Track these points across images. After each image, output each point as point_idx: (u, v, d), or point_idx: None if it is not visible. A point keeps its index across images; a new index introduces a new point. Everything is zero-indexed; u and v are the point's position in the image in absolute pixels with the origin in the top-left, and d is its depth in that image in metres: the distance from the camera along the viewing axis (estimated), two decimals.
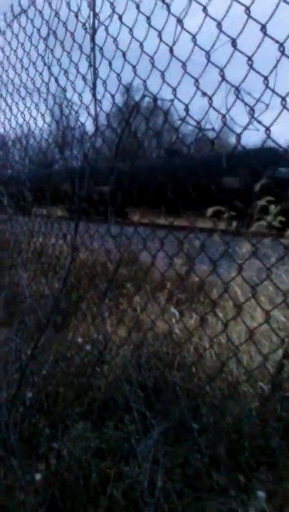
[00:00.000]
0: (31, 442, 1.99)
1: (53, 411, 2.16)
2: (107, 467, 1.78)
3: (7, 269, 3.43)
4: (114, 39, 1.98)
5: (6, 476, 1.79)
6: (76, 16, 2.21)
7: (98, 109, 2.05)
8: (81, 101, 2.24)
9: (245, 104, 1.33)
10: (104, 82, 2.05)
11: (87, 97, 2.14)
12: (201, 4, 1.55)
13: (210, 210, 2.32)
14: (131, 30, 1.88)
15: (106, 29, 2.01)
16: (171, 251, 2.03)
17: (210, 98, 1.50)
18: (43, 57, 2.66)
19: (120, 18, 1.94)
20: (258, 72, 1.34)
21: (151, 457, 1.76)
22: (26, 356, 2.21)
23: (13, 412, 2.04)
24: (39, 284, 3.36)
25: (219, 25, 1.48)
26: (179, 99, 1.63)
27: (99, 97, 2.07)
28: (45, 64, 2.63)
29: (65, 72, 2.39)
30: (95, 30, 2.00)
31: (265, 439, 1.87)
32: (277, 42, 1.30)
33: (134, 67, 1.86)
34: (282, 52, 1.29)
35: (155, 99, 1.73)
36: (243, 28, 1.42)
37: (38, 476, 1.78)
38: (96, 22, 2.01)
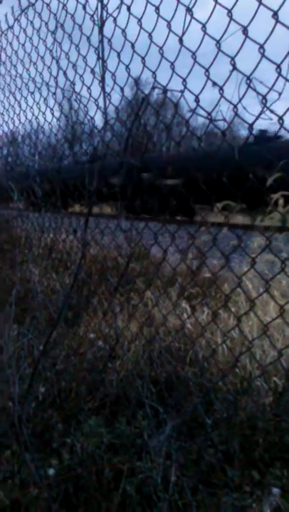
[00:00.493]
0: (44, 437, 2.00)
1: (66, 406, 2.16)
2: (120, 462, 1.77)
3: (18, 265, 3.44)
4: (123, 30, 1.95)
5: (20, 471, 1.80)
6: (84, 7, 2.19)
7: (107, 102, 2.02)
8: (90, 94, 2.22)
9: (258, 93, 1.30)
10: (113, 74, 2.02)
11: (96, 90, 2.12)
12: None
13: (220, 205, 2.29)
14: (139, 20, 1.85)
15: (114, 20, 1.98)
16: (181, 246, 2.01)
17: (221, 88, 1.47)
18: (51, 50, 2.64)
19: (129, 8, 1.91)
20: (271, 60, 1.31)
21: (164, 452, 1.75)
22: (38, 351, 2.21)
23: (25, 407, 2.04)
24: (50, 280, 3.37)
25: (230, 13, 1.45)
26: (189, 90, 1.60)
27: (108, 90, 2.05)
28: (53, 58, 2.61)
29: (74, 65, 2.37)
30: (103, 22, 1.97)
31: (279, 434, 1.85)
32: None
33: (143, 58, 1.84)
34: None
35: (165, 90, 1.70)
36: (254, 15, 1.39)
37: (51, 471, 1.78)
38: (104, 13, 1.98)
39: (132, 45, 1.89)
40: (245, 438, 1.84)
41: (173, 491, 1.61)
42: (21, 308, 2.94)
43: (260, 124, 1.44)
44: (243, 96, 1.38)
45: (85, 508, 1.65)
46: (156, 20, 1.74)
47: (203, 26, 1.53)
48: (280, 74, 1.28)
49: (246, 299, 2.94)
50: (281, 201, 2.68)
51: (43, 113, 3.03)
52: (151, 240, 2.03)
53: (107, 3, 2.01)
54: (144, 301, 2.79)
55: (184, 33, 1.62)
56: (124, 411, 2.08)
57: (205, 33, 1.52)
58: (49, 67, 2.76)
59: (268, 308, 2.80)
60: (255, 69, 1.37)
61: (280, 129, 1.30)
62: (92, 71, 2.16)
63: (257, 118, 1.33)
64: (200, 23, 1.54)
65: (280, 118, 1.29)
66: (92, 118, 2.27)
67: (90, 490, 1.69)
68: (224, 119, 1.44)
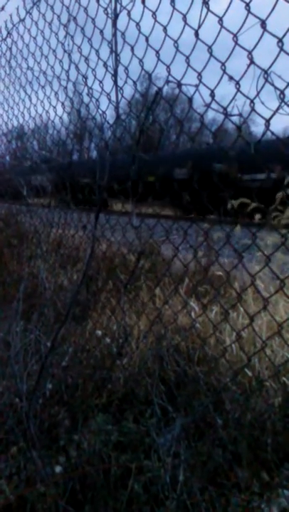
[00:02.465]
0: (51, 434, 1.98)
1: (73, 403, 2.15)
2: (128, 460, 1.76)
3: (26, 261, 3.43)
4: (137, 23, 1.92)
5: (26, 467, 1.79)
6: (97, 0, 2.16)
7: (120, 96, 2.00)
8: (102, 88, 2.20)
9: (276, 87, 1.27)
10: (126, 68, 2.00)
11: (108, 84, 2.10)
12: None
13: (236, 203, 2.26)
14: (154, 13, 1.82)
15: (128, 13, 1.95)
16: (191, 243, 1.99)
17: (237, 83, 1.45)
18: (62, 44, 2.62)
19: (143, 1, 1.88)
20: None
21: (173, 451, 1.74)
22: (46, 348, 2.20)
23: (33, 403, 2.03)
24: (58, 276, 3.35)
25: (247, 6, 1.42)
26: (204, 84, 1.58)
27: (120, 83, 2.02)
28: (65, 51, 2.59)
29: (86, 59, 2.34)
30: (116, 15, 1.95)
31: (288, 435, 1.83)
32: None
33: (157, 52, 1.81)
34: None
35: (179, 84, 1.67)
36: (273, 8, 1.36)
37: (58, 468, 1.77)
38: (118, 6, 1.96)
39: (146, 39, 1.87)
40: (254, 438, 1.82)
41: (181, 491, 1.60)
42: (29, 304, 2.93)
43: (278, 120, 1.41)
44: (260, 90, 1.35)
45: (92, 505, 1.64)
46: (172, 13, 1.71)
47: (220, 19, 1.50)
48: None
49: (255, 298, 2.91)
50: None
51: (54, 107, 3.01)
52: (161, 237, 2.01)
53: None
54: (153, 298, 2.77)
55: (199, 26, 1.59)
56: (131, 409, 2.07)
57: (222, 26, 1.49)
58: (61, 61, 2.73)
59: (278, 307, 2.78)
60: (273, 63, 1.34)
61: None
62: (105, 65, 2.13)
63: (274, 113, 1.30)
64: (217, 16, 1.52)
65: None
66: (103, 112, 2.25)
67: (97, 488, 1.68)
68: (240, 114, 1.41)
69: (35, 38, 3.11)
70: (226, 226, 1.91)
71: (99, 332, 2.66)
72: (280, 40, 1.32)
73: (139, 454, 1.81)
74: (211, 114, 1.60)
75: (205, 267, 2.31)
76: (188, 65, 1.65)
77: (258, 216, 2.77)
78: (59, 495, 1.65)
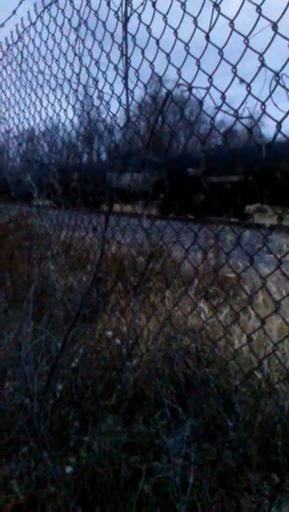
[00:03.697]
0: (61, 434, 1.99)
1: (83, 404, 2.16)
2: (138, 462, 1.76)
3: (36, 262, 3.45)
4: (148, 27, 1.93)
5: (37, 468, 1.80)
6: (108, 4, 2.18)
7: (130, 99, 2.01)
8: (112, 91, 2.21)
9: (287, 90, 1.27)
10: (136, 71, 2.01)
11: (119, 87, 2.11)
12: None
13: (251, 208, 2.26)
14: (165, 17, 1.83)
15: (139, 17, 1.96)
16: (200, 245, 1.99)
17: (248, 85, 1.45)
18: (73, 47, 2.64)
19: (154, 4, 1.89)
20: None
21: (183, 453, 1.74)
22: (56, 349, 2.21)
23: (43, 404, 2.04)
24: (68, 277, 3.37)
25: (259, 8, 1.42)
26: (215, 87, 1.58)
27: (130, 86, 2.03)
28: (75, 54, 2.61)
29: (96, 62, 2.36)
30: (127, 18, 1.96)
31: None
32: None
33: (168, 55, 1.82)
34: None
35: (190, 87, 1.68)
36: (285, 10, 1.36)
37: (68, 469, 1.78)
38: (128, 9, 1.97)
39: (157, 42, 1.87)
40: (264, 441, 1.82)
41: (191, 492, 1.60)
42: (39, 306, 2.95)
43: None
44: (272, 92, 1.35)
45: (102, 506, 1.64)
46: (182, 16, 1.72)
47: (231, 22, 1.50)
48: None
49: (265, 300, 2.91)
50: None
51: (65, 110, 3.03)
52: (170, 238, 2.02)
53: None
54: (163, 300, 2.78)
55: (210, 29, 1.59)
56: (141, 410, 2.07)
57: (233, 29, 1.49)
58: (71, 64, 2.75)
59: (287, 310, 2.76)
60: (284, 66, 1.34)
61: None
62: (116, 68, 2.14)
63: (286, 115, 1.30)
64: (228, 18, 1.52)
65: None
66: (114, 115, 2.27)
67: (107, 489, 1.68)
68: (251, 117, 1.42)
69: (46, 42, 3.14)
70: (237, 228, 1.91)
71: (109, 333, 2.67)
72: None
73: (149, 456, 1.81)
74: (219, 116, 1.60)
75: (215, 269, 2.31)
76: (199, 67, 1.65)
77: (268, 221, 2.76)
78: (69, 495, 1.66)
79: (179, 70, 1.76)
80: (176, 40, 1.77)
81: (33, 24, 3.25)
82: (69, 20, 2.67)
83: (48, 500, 1.66)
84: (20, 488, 1.69)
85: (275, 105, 1.29)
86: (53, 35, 2.98)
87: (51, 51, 3.06)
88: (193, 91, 1.72)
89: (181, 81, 1.77)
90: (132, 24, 2.02)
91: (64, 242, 3.61)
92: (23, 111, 4.00)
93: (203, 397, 1.99)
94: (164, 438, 1.83)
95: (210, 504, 1.56)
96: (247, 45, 1.44)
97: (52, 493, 1.69)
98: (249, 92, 1.43)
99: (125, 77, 2.00)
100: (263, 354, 2.11)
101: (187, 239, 2.01)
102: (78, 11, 2.51)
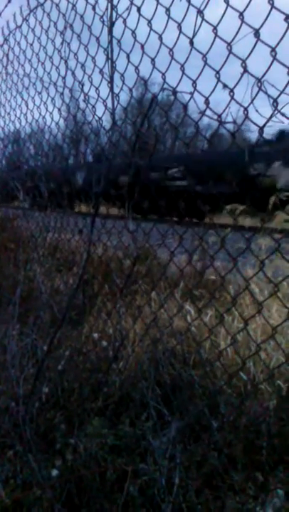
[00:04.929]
0: (47, 437, 1.99)
1: (69, 407, 2.16)
2: (124, 463, 1.77)
3: (22, 265, 3.43)
4: (133, 32, 1.95)
5: (22, 471, 1.79)
6: (93, 8, 2.19)
7: (116, 102, 2.02)
8: (98, 95, 2.22)
9: (269, 96, 1.30)
10: (121, 75, 2.02)
11: (104, 90, 2.13)
12: None
13: (228, 207, 2.30)
14: (149, 22, 1.85)
15: (124, 21, 1.98)
16: (187, 247, 2.00)
17: (231, 90, 1.47)
18: (59, 50, 2.65)
19: (139, 9, 1.91)
20: (282, 64, 1.31)
21: (168, 455, 1.75)
22: (42, 351, 2.21)
23: (29, 407, 2.04)
24: (54, 280, 3.36)
25: (241, 15, 1.45)
26: (199, 92, 1.60)
27: (116, 90, 2.05)
28: (61, 58, 2.61)
29: (82, 65, 2.37)
30: (112, 23, 1.97)
31: (283, 438, 1.84)
32: None
33: (152, 59, 1.83)
34: None
35: (175, 91, 1.70)
36: (267, 18, 1.39)
37: (54, 472, 1.78)
38: (114, 14, 1.98)
39: (142, 46, 1.89)
40: (249, 441, 1.84)
41: (177, 493, 1.61)
42: (25, 308, 2.94)
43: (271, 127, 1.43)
44: (254, 98, 1.37)
45: (88, 509, 1.65)
46: (167, 22, 1.74)
47: (215, 28, 1.52)
48: None
49: (250, 302, 2.94)
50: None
51: (50, 113, 3.03)
52: (156, 241, 2.03)
53: (117, 3, 2.01)
54: (148, 302, 2.79)
55: (194, 35, 1.61)
56: (127, 412, 2.08)
57: (216, 35, 1.52)
58: (57, 67, 2.76)
59: (271, 311, 2.80)
60: (266, 72, 1.37)
61: None
62: (101, 71, 2.16)
63: (268, 121, 1.32)
64: (211, 25, 1.54)
65: None
66: (100, 118, 2.28)
67: (93, 491, 1.69)
68: (234, 122, 1.44)
69: (32, 45, 3.14)
70: (221, 231, 1.93)
71: (95, 335, 2.67)
72: (273, 50, 1.34)
73: (135, 457, 1.82)
74: (206, 120, 1.63)
75: (200, 271, 2.33)
76: (183, 72, 1.67)
77: (248, 220, 2.81)
78: (55, 498, 1.66)
79: (163, 74, 1.78)
80: (160, 45, 1.79)
81: (19, 27, 3.25)
82: (55, 23, 2.68)
83: (33, 504, 1.66)
84: (6, 492, 1.69)
85: (257, 111, 1.31)
86: (39, 38, 2.98)
87: (37, 54, 3.06)
88: (179, 95, 1.75)
89: (166, 85, 1.79)
90: (118, 28, 2.04)
91: (50, 245, 3.60)
92: (8, 113, 3.99)
93: (188, 399, 2.01)
94: (150, 440, 1.84)
95: (195, 505, 1.58)
96: (230, 51, 1.47)
97: (38, 497, 1.69)
98: (232, 98, 1.45)
99: (111, 81, 2.01)
100: (247, 355, 2.13)
101: (175, 241, 2.02)
102: (64, 15, 2.52)
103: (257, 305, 1.61)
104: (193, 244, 2.37)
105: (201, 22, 1.58)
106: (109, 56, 2.00)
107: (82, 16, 2.35)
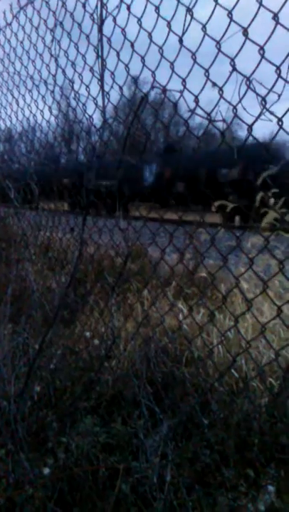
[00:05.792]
0: (39, 436, 1.99)
1: (61, 405, 2.16)
2: (116, 462, 1.77)
3: (14, 264, 3.42)
4: (123, 29, 1.95)
5: (14, 470, 1.79)
6: (84, 6, 2.18)
7: (106, 101, 2.02)
8: (88, 93, 2.22)
9: (257, 94, 1.30)
10: (112, 73, 2.02)
11: (95, 88, 2.12)
12: None
13: (215, 204, 2.30)
14: (139, 20, 1.85)
15: (114, 19, 1.97)
16: (177, 246, 2.01)
17: (220, 89, 1.47)
18: (49, 48, 2.64)
19: (128, 8, 1.91)
20: (270, 62, 1.31)
21: (160, 452, 1.75)
22: (34, 350, 2.21)
23: (21, 406, 2.04)
24: (46, 279, 3.36)
25: (230, 14, 1.45)
26: (188, 90, 1.60)
27: (106, 88, 2.04)
28: (52, 55, 2.61)
29: (73, 63, 2.36)
30: (102, 21, 1.97)
31: (274, 435, 1.85)
32: None
33: (142, 57, 1.83)
34: None
35: (164, 90, 1.70)
36: (255, 16, 1.39)
37: (46, 471, 1.78)
38: (104, 12, 1.98)
39: (132, 45, 1.89)
40: (241, 438, 1.85)
41: (168, 491, 1.61)
42: (17, 307, 2.94)
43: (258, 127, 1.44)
44: (243, 97, 1.38)
45: (80, 507, 1.65)
46: (156, 20, 1.74)
47: (204, 27, 1.53)
48: (279, 75, 1.28)
49: (242, 300, 2.95)
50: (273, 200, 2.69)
51: (41, 111, 3.02)
52: (149, 239, 2.03)
53: (107, 2, 2.01)
54: (141, 300, 2.79)
55: (183, 33, 1.62)
56: (119, 410, 2.08)
57: (205, 33, 1.52)
58: (48, 65, 2.75)
59: (263, 308, 2.81)
60: (254, 70, 1.37)
61: (279, 130, 1.31)
62: (91, 69, 2.15)
63: (256, 119, 1.33)
64: (200, 23, 1.54)
65: (280, 120, 1.30)
66: (90, 116, 2.27)
67: (85, 489, 1.69)
68: (223, 120, 1.44)
69: (22, 42, 3.12)
70: (212, 229, 1.93)
71: (87, 333, 2.67)
72: (262, 48, 1.35)
73: (127, 455, 1.82)
74: (198, 118, 1.63)
75: (190, 270, 2.34)
76: (173, 71, 1.67)
77: (238, 218, 2.82)
78: (47, 497, 1.66)
79: (153, 72, 1.77)
80: (150, 44, 1.79)
81: (9, 25, 3.23)
82: (45, 21, 2.67)
83: (26, 503, 1.66)
84: None
85: (244, 109, 1.31)
86: (29, 35, 2.97)
87: (27, 52, 3.05)
88: (171, 93, 1.75)
89: (156, 83, 1.78)
90: (108, 26, 2.03)
91: (42, 243, 3.59)
92: None
93: (180, 397, 2.02)
94: (142, 437, 1.85)
95: (186, 502, 1.58)
96: (219, 50, 1.47)
97: (30, 495, 1.69)
98: (221, 96, 1.46)
99: (101, 79, 2.01)
100: (239, 352, 2.14)
101: (168, 239, 2.02)
102: (54, 12, 2.51)
103: (246, 303, 1.62)
104: (184, 243, 2.38)
105: (190, 20, 1.58)
106: (100, 54, 2.00)
107: (72, 14, 2.34)
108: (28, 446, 1.87)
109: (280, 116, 1.30)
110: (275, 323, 2.38)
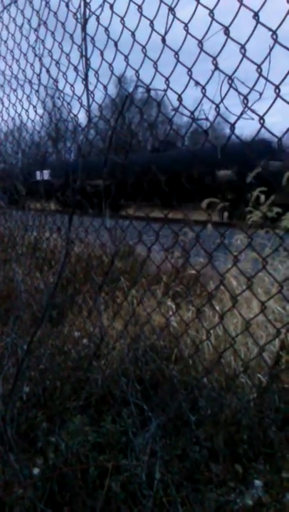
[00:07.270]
0: (29, 437, 1.99)
1: (50, 405, 2.16)
2: (105, 460, 1.78)
3: (1, 264, 3.41)
4: (106, 29, 1.95)
5: (4, 471, 1.79)
6: (67, 5, 2.18)
7: (91, 100, 2.02)
8: (73, 92, 2.21)
9: (239, 93, 1.31)
10: (96, 72, 2.02)
11: (79, 88, 2.12)
12: None
13: (204, 202, 2.31)
14: (122, 19, 1.85)
15: (97, 19, 1.97)
16: (166, 244, 2.01)
17: (203, 88, 1.48)
18: (33, 48, 2.63)
19: (111, 7, 1.91)
20: (251, 61, 1.32)
21: (149, 450, 1.76)
22: (22, 351, 2.20)
23: (9, 407, 2.03)
24: (34, 279, 3.35)
25: (211, 13, 1.45)
26: (172, 89, 1.61)
27: (91, 88, 2.04)
28: (36, 55, 2.60)
29: (57, 62, 2.36)
30: (86, 20, 1.97)
31: (263, 430, 1.87)
32: (270, 30, 1.28)
33: (126, 57, 1.84)
34: (276, 40, 1.26)
35: (148, 89, 1.70)
36: (236, 16, 1.40)
37: (35, 471, 1.78)
38: (87, 11, 1.98)
39: (115, 44, 1.89)
40: (230, 434, 1.86)
41: (157, 488, 1.62)
42: (5, 308, 2.93)
43: (242, 126, 1.45)
44: (225, 95, 1.39)
45: (70, 506, 1.65)
46: (139, 19, 1.74)
47: (186, 26, 1.53)
48: (260, 74, 1.29)
49: (231, 297, 2.96)
50: (262, 198, 2.72)
51: (26, 110, 3.01)
52: (136, 238, 2.04)
53: (90, 1, 2.00)
54: (129, 299, 2.80)
55: (166, 32, 1.62)
56: (109, 409, 2.09)
57: (187, 32, 1.52)
58: (32, 65, 2.74)
59: (252, 305, 2.83)
60: (236, 69, 1.38)
61: (260, 128, 1.32)
62: (76, 69, 2.15)
63: (238, 118, 1.34)
64: (182, 22, 1.55)
65: (261, 118, 1.31)
66: (75, 116, 2.27)
67: (75, 488, 1.69)
68: (207, 118, 1.45)
69: (6, 42, 3.11)
70: (198, 226, 1.94)
71: (76, 333, 2.67)
72: (243, 47, 1.36)
73: (117, 454, 1.83)
74: (185, 117, 1.63)
75: (177, 268, 2.34)
76: (156, 70, 1.68)
77: (226, 215, 2.83)
78: (37, 497, 1.66)
79: (137, 71, 1.78)
80: (134, 43, 1.79)
81: None
82: (28, 20, 2.66)
83: (16, 503, 1.66)
84: None
85: (226, 108, 1.32)
86: (13, 35, 2.95)
87: (11, 51, 3.04)
88: (154, 92, 1.75)
89: (140, 83, 1.79)
90: (92, 26, 2.03)
91: (29, 243, 3.58)
92: None
93: (169, 394, 2.03)
94: (131, 436, 1.85)
95: (175, 498, 1.60)
96: (201, 49, 1.48)
97: (20, 496, 1.69)
98: (204, 95, 1.47)
99: (85, 78, 2.01)
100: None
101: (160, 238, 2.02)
102: (38, 12, 2.50)
103: (232, 299, 1.63)
104: (172, 241, 2.38)
105: (173, 20, 1.58)
106: (84, 53, 1.99)
107: (55, 13, 2.34)
108: (17, 447, 1.87)
109: (261, 114, 1.31)
110: (265, 320, 2.40)
